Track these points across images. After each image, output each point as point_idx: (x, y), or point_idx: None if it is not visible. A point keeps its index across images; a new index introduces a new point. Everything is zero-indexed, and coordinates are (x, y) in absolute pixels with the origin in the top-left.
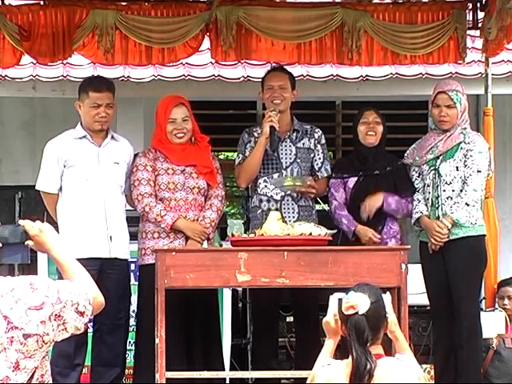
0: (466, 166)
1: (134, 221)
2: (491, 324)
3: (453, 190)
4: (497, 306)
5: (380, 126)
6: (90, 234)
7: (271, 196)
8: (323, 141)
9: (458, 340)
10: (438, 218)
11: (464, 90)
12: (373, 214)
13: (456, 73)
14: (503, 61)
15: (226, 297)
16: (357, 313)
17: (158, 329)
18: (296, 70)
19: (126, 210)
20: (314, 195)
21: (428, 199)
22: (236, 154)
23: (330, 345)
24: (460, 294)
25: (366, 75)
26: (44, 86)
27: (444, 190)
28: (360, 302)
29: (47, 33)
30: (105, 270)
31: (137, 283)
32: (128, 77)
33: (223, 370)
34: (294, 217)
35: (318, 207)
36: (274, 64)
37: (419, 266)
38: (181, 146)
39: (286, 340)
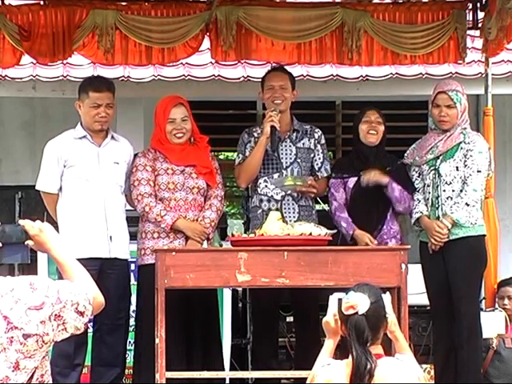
0: (466, 166)
1: (133, 221)
2: (491, 324)
3: (453, 190)
4: (497, 305)
5: (381, 125)
6: (90, 234)
7: (272, 196)
8: (323, 141)
9: (458, 340)
10: (438, 218)
11: (464, 90)
12: (371, 184)
13: (456, 73)
14: (503, 61)
15: (226, 297)
16: (356, 313)
17: (158, 329)
18: (296, 70)
19: (126, 210)
20: (314, 195)
21: (428, 199)
22: (236, 154)
23: (329, 345)
24: (460, 294)
25: (366, 75)
26: (44, 85)
27: (444, 190)
28: (360, 302)
29: (47, 33)
30: (105, 270)
31: (136, 283)
32: (128, 77)
33: (223, 370)
34: (294, 216)
35: (317, 207)
36: (274, 64)
37: (419, 265)
38: (180, 146)
39: (286, 340)
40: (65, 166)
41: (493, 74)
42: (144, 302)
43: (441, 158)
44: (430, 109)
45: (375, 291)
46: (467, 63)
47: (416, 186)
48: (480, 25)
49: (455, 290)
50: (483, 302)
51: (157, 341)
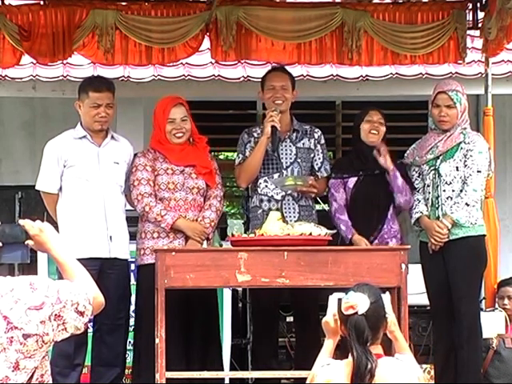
0: (466, 166)
1: (133, 221)
2: (491, 324)
3: (453, 190)
4: (497, 305)
5: (383, 127)
6: (90, 234)
7: (272, 196)
8: (323, 141)
9: (458, 340)
10: (438, 218)
11: (464, 90)
12: (381, 162)
13: (456, 73)
14: (503, 61)
15: (226, 297)
16: (356, 313)
17: (158, 329)
18: (296, 70)
19: (126, 210)
20: (314, 195)
21: (428, 199)
22: (236, 154)
23: (329, 345)
24: (460, 294)
25: (366, 75)
26: (44, 85)
27: (444, 190)
28: (359, 302)
29: (47, 33)
30: (105, 270)
31: (135, 283)
32: (128, 77)
33: (222, 370)
34: (294, 216)
35: (317, 207)
36: (274, 64)
37: (419, 265)
38: (180, 146)
39: (286, 340)
40: (65, 166)
41: (493, 74)
42: (144, 302)
43: (441, 158)
44: (430, 109)
45: (375, 291)
46: (467, 63)
47: (416, 186)
48: (480, 25)
49: (455, 290)
50: (483, 301)
51: (157, 341)
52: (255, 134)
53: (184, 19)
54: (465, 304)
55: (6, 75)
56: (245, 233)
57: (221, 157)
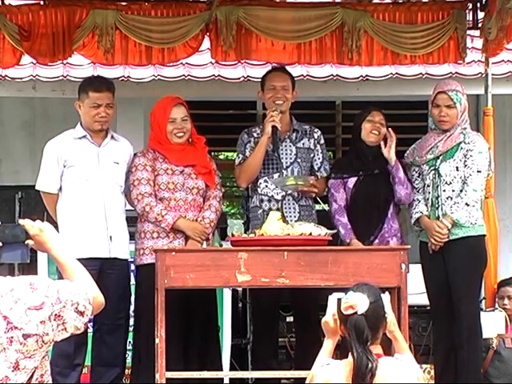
0: (466, 166)
1: (133, 221)
2: (491, 324)
3: (453, 190)
4: (497, 305)
5: (384, 128)
6: (90, 234)
7: (272, 196)
8: (322, 141)
9: (458, 340)
10: (437, 218)
11: (464, 90)
12: (385, 154)
13: (456, 73)
14: (503, 61)
15: (226, 297)
16: (356, 313)
17: (158, 329)
18: (296, 70)
19: (126, 210)
20: (315, 195)
21: (428, 199)
22: (236, 154)
23: (329, 345)
24: (460, 294)
25: (366, 75)
26: (44, 85)
27: (444, 190)
28: (359, 302)
29: (47, 33)
30: (105, 270)
31: (134, 283)
32: (128, 77)
33: (221, 370)
34: (295, 216)
35: (317, 207)
36: (274, 64)
37: (419, 265)
38: (180, 146)
39: (286, 340)
40: (65, 166)
41: (493, 74)
42: (144, 302)
43: (441, 158)
44: (430, 109)
45: (374, 291)
46: (467, 63)
47: (416, 186)
48: (480, 25)
49: (455, 290)
50: (483, 302)
51: (157, 341)
52: (255, 134)
53: (184, 19)
54: (465, 304)
55: (6, 75)
56: (245, 233)
57: (221, 157)
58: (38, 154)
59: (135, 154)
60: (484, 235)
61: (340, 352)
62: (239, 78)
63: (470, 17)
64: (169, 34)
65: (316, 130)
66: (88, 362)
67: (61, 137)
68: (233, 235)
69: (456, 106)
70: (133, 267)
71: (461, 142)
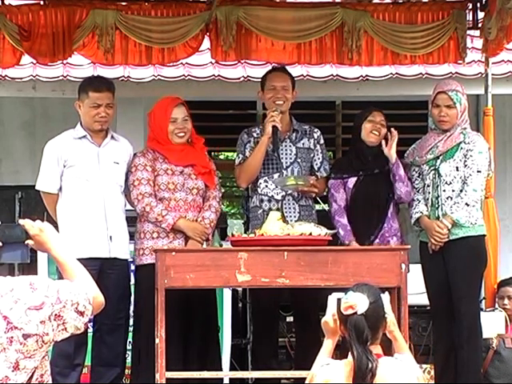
0: (466, 166)
1: (133, 221)
2: (491, 324)
3: (453, 190)
4: (497, 305)
5: (384, 128)
6: (90, 234)
7: (272, 196)
8: (322, 141)
9: (458, 340)
10: (437, 218)
11: (464, 90)
12: (386, 152)
13: (456, 73)
14: (503, 61)
15: (226, 297)
16: (355, 313)
17: (158, 329)
18: (296, 70)
19: (126, 210)
20: (315, 195)
21: (428, 199)
22: (235, 154)
23: (328, 345)
24: (460, 294)
25: (366, 75)
26: (44, 85)
27: (444, 190)
28: (359, 302)
29: (47, 33)
30: (105, 270)
31: (134, 283)
32: (128, 77)
33: (221, 370)
34: (295, 216)
35: (317, 207)
36: (274, 64)
37: (419, 265)
38: (180, 146)
39: (286, 340)
40: (65, 166)
41: (493, 74)
42: (144, 302)
43: (441, 158)
44: (430, 109)
45: (374, 291)
46: (467, 63)
47: (416, 186)
48: (480, 25)
49: (455, 290)
50: (483, 301)
51: (157, 341)
52: (254, 134)
53: (184, 19)
54: (465, 304)
55: (6, 75)
56: (245, 233)
57: (221, 157)
58: (38, 154)
59: (135, 154)
60: (484, 235)
61: (340, 352)
62: (239, 78)
63: (470, 17)
64: (169, 34)
65: (316, 130)
66: (88, 362)
67: (61, 137)
68: (233, 235)
69: (456, 106)
70: (132, 267)
71: (461, 142)
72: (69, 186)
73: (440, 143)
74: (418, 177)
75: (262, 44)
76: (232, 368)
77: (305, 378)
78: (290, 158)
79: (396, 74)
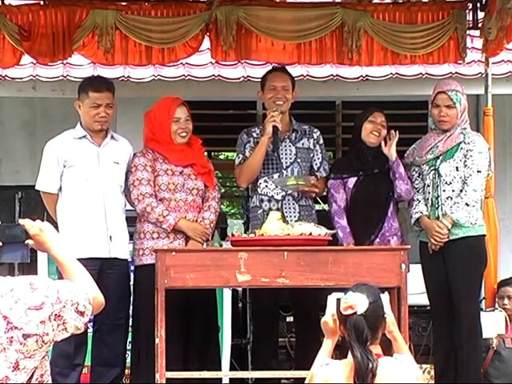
0: (465, 166)
1: (133, 221)
2: (491, 324)
3: (453, 190)
4: (497, 305)
5: (385, 129)
6: (90, 234)
7: (272, 196)
8: (321, 141)
9: (458, 340)
10: (437, 218)
11: (464, 90)
12: (386, 151)
13: (456, 73)
14: (503, 61)
15: (226, 297)
16: (355, 313)
17: (158, 329)
18: (296, 70)
19: (126, 210)
20: (315, 195)
21: (428, 199)
22: (235, 154)
23: (328, 345)
24: (460, 294)
25: (366, 75)
26: (44, 85)
27: (444, 190)
28: (358, 302)
29: (47, 33)
30: (105, 270)
31: (133, 283)
32: (128, 77)
33: (220, 370)
34: (295, 216)
35: (317, 207)
36: (274, 64)
37: (419, 266)
38: (179, 146)
39: (286, 340)
40: (65, 166)
41: (493, 74)
42: (144, 302)
43: (441, 158)
44: (430, 109)
45: (374, 291)
46: (467, 63)
47: (416, 186)
48: (480, 25)
49: (455, 290)
50: (483, 301)
51: (157, 341)
52: (254, 134)
53: (184, 19)
54: (465, 304)
55: (6, 75)
56: (245, 233)
57: (221, 157)
58: (38, 154)
59: (135, 154)
60: (484, 235)
61: (339, 352)
62: (239, 78)
63: (470, 17)
64: (169, 34)
65: (315, 130)
66: (88, 362)
67: (61, 137)
68: (233, 235)
69: (456, 106)
70: (132, 267)
71: (461, 142)
72: (69, 186)
73: (440, 143)
74: (418, 177)
75: (262, 44)
76: (232, 368)
77: (305, 378)
78: (290, 158)
79: (396, 74)
